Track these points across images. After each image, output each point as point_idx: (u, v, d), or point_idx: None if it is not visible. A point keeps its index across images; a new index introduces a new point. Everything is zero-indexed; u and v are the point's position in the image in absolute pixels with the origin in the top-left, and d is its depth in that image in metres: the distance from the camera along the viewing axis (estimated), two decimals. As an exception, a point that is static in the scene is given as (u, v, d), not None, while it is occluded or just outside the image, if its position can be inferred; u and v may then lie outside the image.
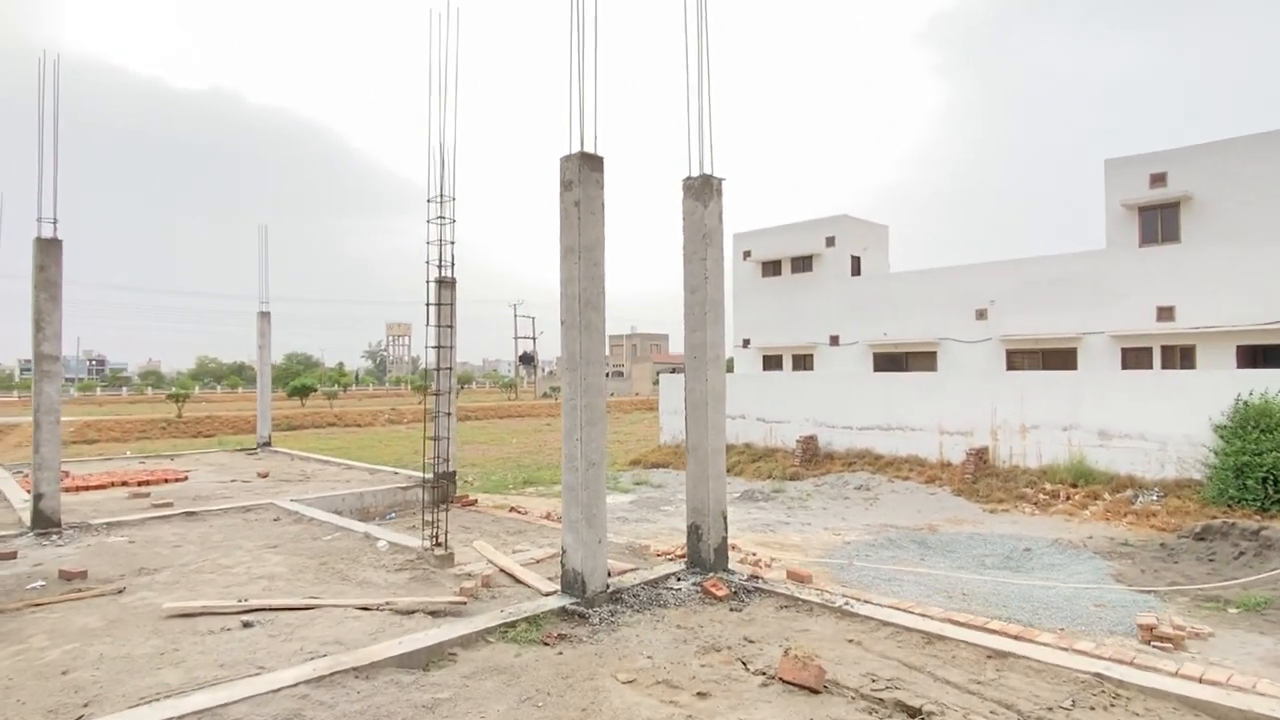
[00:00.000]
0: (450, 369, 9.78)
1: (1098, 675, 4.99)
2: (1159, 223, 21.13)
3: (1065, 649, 5.55)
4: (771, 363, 31.09)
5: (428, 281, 8.91)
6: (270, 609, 6.82)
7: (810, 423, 20.81)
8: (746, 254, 31.73)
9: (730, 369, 33.58)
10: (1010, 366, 23.63)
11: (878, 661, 5.48)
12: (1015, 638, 5.89)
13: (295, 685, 4.97)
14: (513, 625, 6.17)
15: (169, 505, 12.33)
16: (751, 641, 5.96)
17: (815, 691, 4.87)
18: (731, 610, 6.80)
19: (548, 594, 7.12)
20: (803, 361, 29.99)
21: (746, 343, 31.86)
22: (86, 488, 14.56)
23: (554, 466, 22.27)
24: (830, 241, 29.17)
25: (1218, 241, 19.93)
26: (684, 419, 8.36)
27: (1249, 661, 7.07)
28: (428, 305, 8.92)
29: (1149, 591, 9.59)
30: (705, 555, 8.01)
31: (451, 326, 9.86)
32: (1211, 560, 10.98)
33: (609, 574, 7.47)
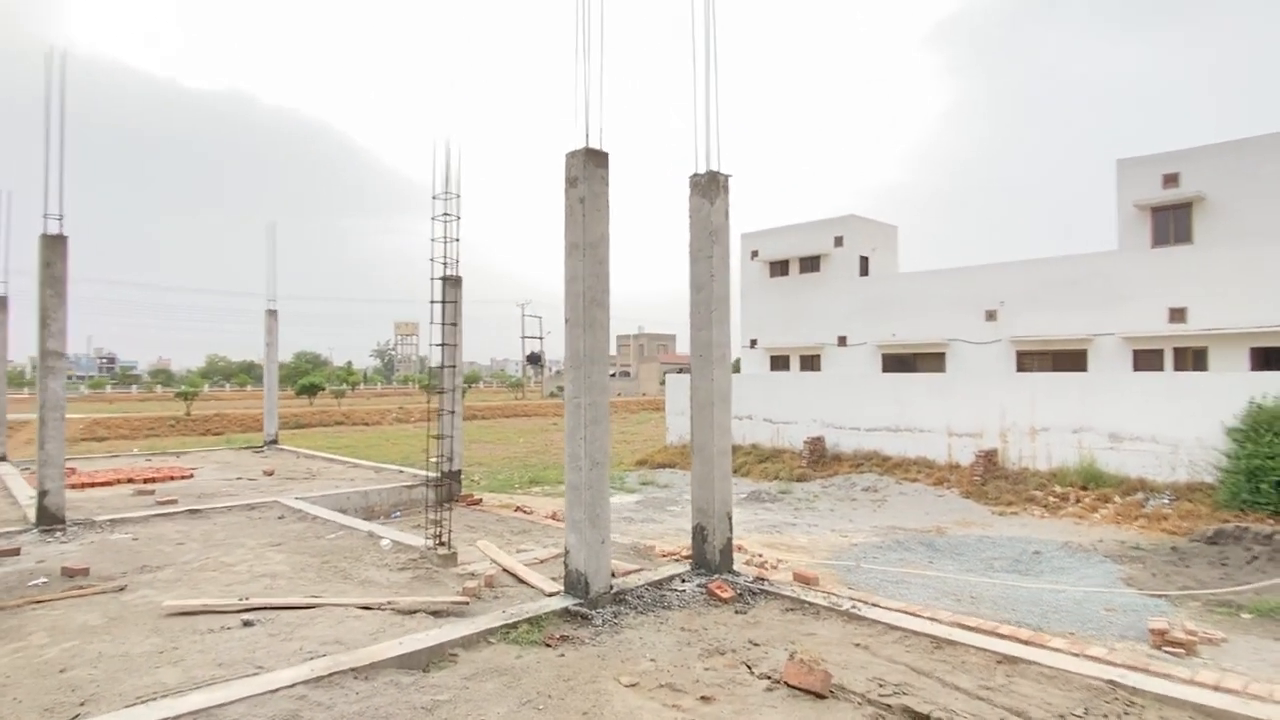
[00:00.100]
0: (455, 367, 9.72)
1: (1111, 682, 4.88)
2: (1171, 223, 20.94)
3: (1077, 655, 5.45)
4: (779, 363, 30.96)
5: (432, 278, 8.86)
6: (271, 607, 6.77)
7: (818, 424, 20.68)
8: (754, 254, 31.61)
9: (737, 369, 33.47)
10: (1020, 368, 23.45)
11: (885, 666, 5.38)
12: (1025, 642, 5.78)
13: (293, 686, 4.91)
14: (514, 626, 6.10)
15: (173, 502, 12.32)
16: (756, 645, 5.87)
17: (821, 696, 4.78)
18: (736, 613, 6.71)
19: (551, 594, 7.05)
20: (810, 362, 29.85)
21: (754, 343, 31.74)
22: (92, 484, 14.57)
23: (560, 466, 22.19)
24: (839, 241, 29.03)
25: (1231, 242, 19.72)
26: (690, 419, 8.28)
27: (1263, 668, 6.94)
28: (432, 303, 8.87)
29: (1160, 596, 9.45)
30: (710, 556, 7.92)
31: (456, 324, 9.80)
32: (1224, 564, 10.83)
33: (613, 574, 7.39)
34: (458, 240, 8.97)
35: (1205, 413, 14.41)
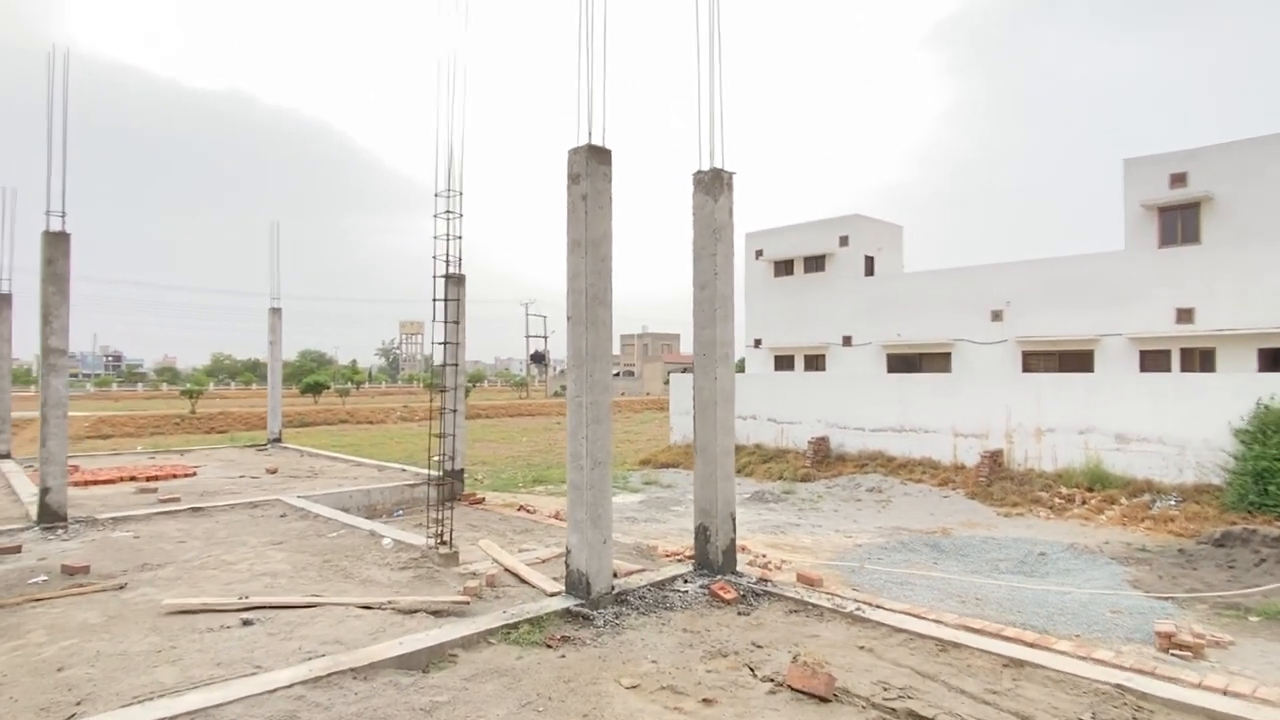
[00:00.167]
0: (457, 365, 9.67)
1: (1119, 686, 4.81)
2: (1179, 223, 20.79)
3: (1084, 658, 5.38)
4: (783, 363, 30.87)
5: (434, 276, 8.81)
6: (271, 606, 6.73)
7: (822, 424, 20.60)
8: (759, 253, 31.52)
9: (741, 369, 33.39)
10: (1026, 368, 23.33)
11: (890, 669, 5.31)
12: (1032, 645, 5.71)
13: (291, 686, 4.86)
14: (515, 626, 6.05)
15: (176, 500, 12.30)
16: (759, 647, 5.80)
17: (825, 700, 4.72)
18: (739, 614, 6.65)
19: (552, 594, 7.00)
20: (815, 362, 29.75)
21: (758, 343, 31.65)
22: (95, 482, 14.57)
23: (564, 465, 22.11)
24: (844, 241, 28.93)
25: (1239, 243, 19.58)
26: (693, 418, 8.22)
27: (1271, 671, 6.85)
28: (434, 301, 8.82)
29: (1167, 598, 9.36)
30: (713, 557, 7.86)
31: (458, 323, 9.75)
32: (1231, 567, 10.74)
33: (615, 575, 7.34)
34: (460, 238, 8.92)
35: (1212, 414, 14.31)
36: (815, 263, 29.85)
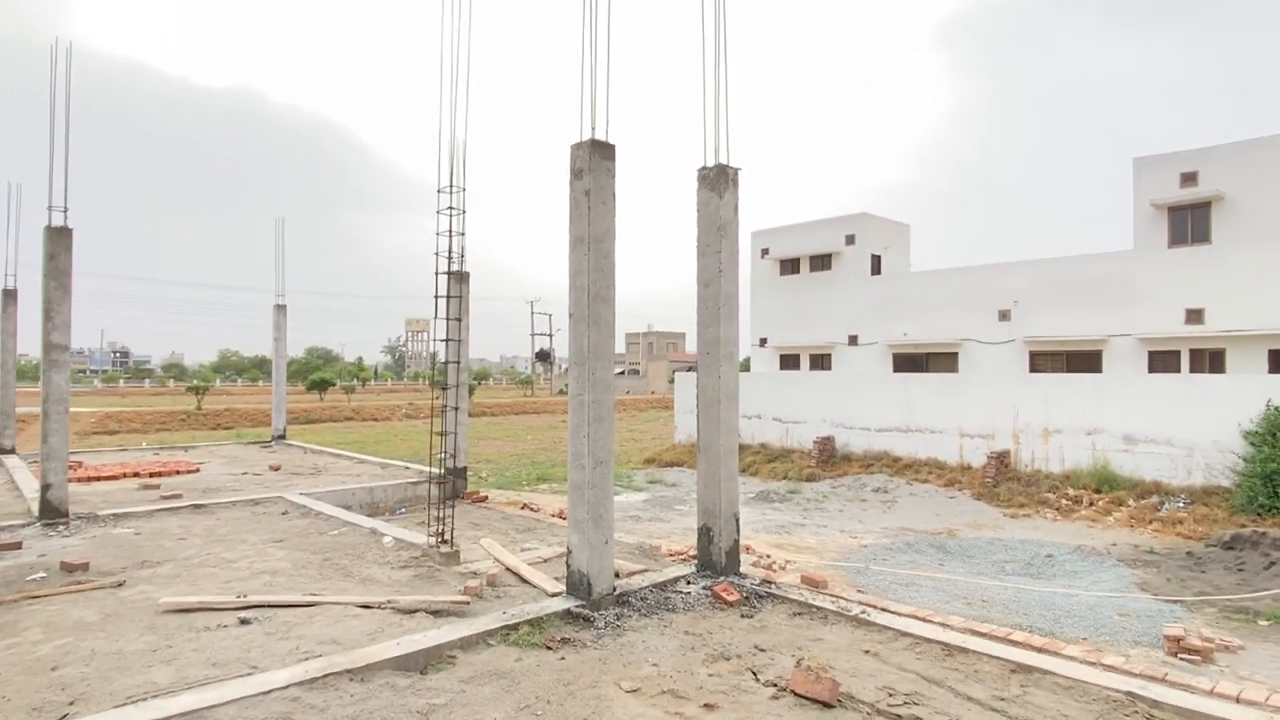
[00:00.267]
0: (459, 362, 9.60)
1: (1130, 694, 4.70)
2: (1189, 223, 20.61)
3: (1094, 664, 5.27)
4: (789, 362, 30.74)
5: (436, 273, 8.73)
6: (269, 605, 6.66)
7: (827, 423, 20.50)
8: (764, 252, 31.38)
9: (746, 368, 33.27)
10: (1033, 368, 23.17)
11: (895, 674, 5.22)
12: (1040, 650, 5.61)
13: (287, 687, 4.79)
14: (515, 627, 5.97)
15: (178, 497, 12.27)
16: (763, 650, 5.71)
17: (829, 706, 4.63)
18: (742, 616, 6.56)
19: (553, 595, 6.91)
20: (820, 361, 29.63)
21: (763, 341, 31.53)
22: (98, 478, 14.55)
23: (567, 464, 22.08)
24: (850, 240, 28.78)
25: (1250, 243, 19.40)
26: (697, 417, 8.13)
27: (1283, 677, 6.75)
28: (436, 297, 8.74)
29: (1175, 601, 9.26)
30: (716, 558, 7.78)
31: (461, 320, 9.68)
32: (1240, 570, 10.62)
33: (617, 575, 7.26)
34: (463, 234, 8.84)
35: (1222, 415, 14.18)
36: (821, 261, 29.71)
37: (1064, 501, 14.98)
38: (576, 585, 6.64)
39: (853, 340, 28.37)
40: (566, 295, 6.77)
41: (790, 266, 30.86)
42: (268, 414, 33.81)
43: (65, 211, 10.80)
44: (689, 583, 7.46)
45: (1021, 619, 8.37)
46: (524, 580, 7.69)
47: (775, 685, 5.01)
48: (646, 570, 7.95)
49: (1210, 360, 20.08)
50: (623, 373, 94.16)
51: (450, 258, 8.83)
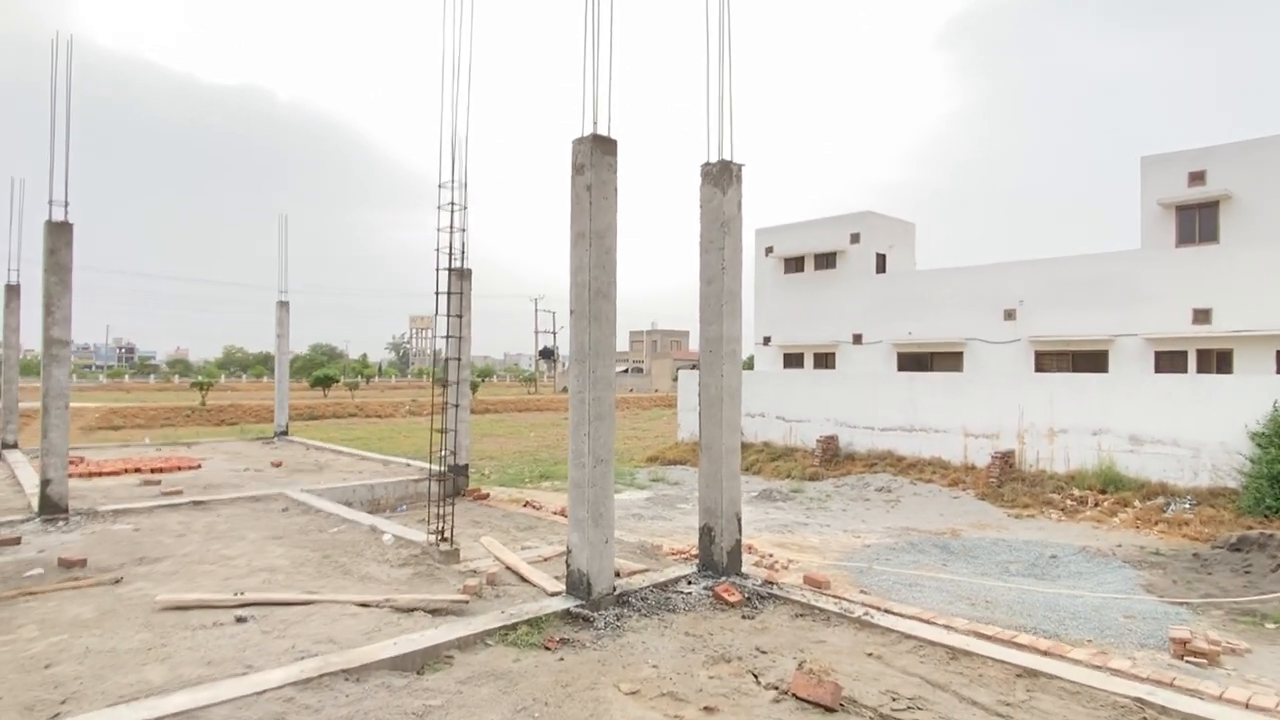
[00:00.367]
0: (459, 359, 9.54)
1: (1139, 700, 4.62)
2: (1197, 222, 20.47)
3: (1101, 668, 5.18)
4: (792, 361, 30.64)
5: (437, 269, 8.67)
6: (266, 603, 6.61)
7: (831, 422, 20.41)
8: (769, 250, 31.27)
9: (750, 366, 33.17)
10: (1039, 368, 23.05)
11: (899, 678, 5.14)
12: (1045, 653, 5.53)
13: (281, 687, 4.73)
14: (513, 627, 5.90)
15: (179, 493, 12.23)
16: (764, 652, 5.64)
17: (831, 710, 4.55)
18: (744, 618, 6.49)
19: (553, 594, 6.85)
20: (824, 360, 29.52)
21: (767, 340, 31.43)
22: (99, 474, 14.53)
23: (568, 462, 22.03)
24: (855, 238, 28.66)
25: (1259, 242, 19.25)
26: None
27: (1291, 682, 6.66)
28: (437, 293, 8.68)
29: (1181, 603, 9.17)
30: (718, 558, 7.70)
31: (462, 316, 9.61)
32: (1247, 572, 10.51)
33: (618, 574, 7.20)
34: (464, 230, 8.77)
35: (1229, 416, 14.07)
36: (826, 260, 29.60)
37: (1069, 502, 14.88)
38: (576, 585, 6.58)
39: (857, 339, 28.26)
40: (562, 291, 6.70)
41: (794, 265, 30.75)
42: (271, 410, 33.87)
43: (66, 206, 10.76)
44: (690, 583, 7.38)
45: (1026, 620, 8.29)
46: (524, 579, 7.63)
47: (776, 688, 4.93)
48: (647, 570, 7.88)
49: (1217, 361, 19.94)
50: (626, 371, 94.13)
51: (451, 254, 8.76)
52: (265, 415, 36.60)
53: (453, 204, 8.57)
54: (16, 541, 8.92)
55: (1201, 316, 20.03)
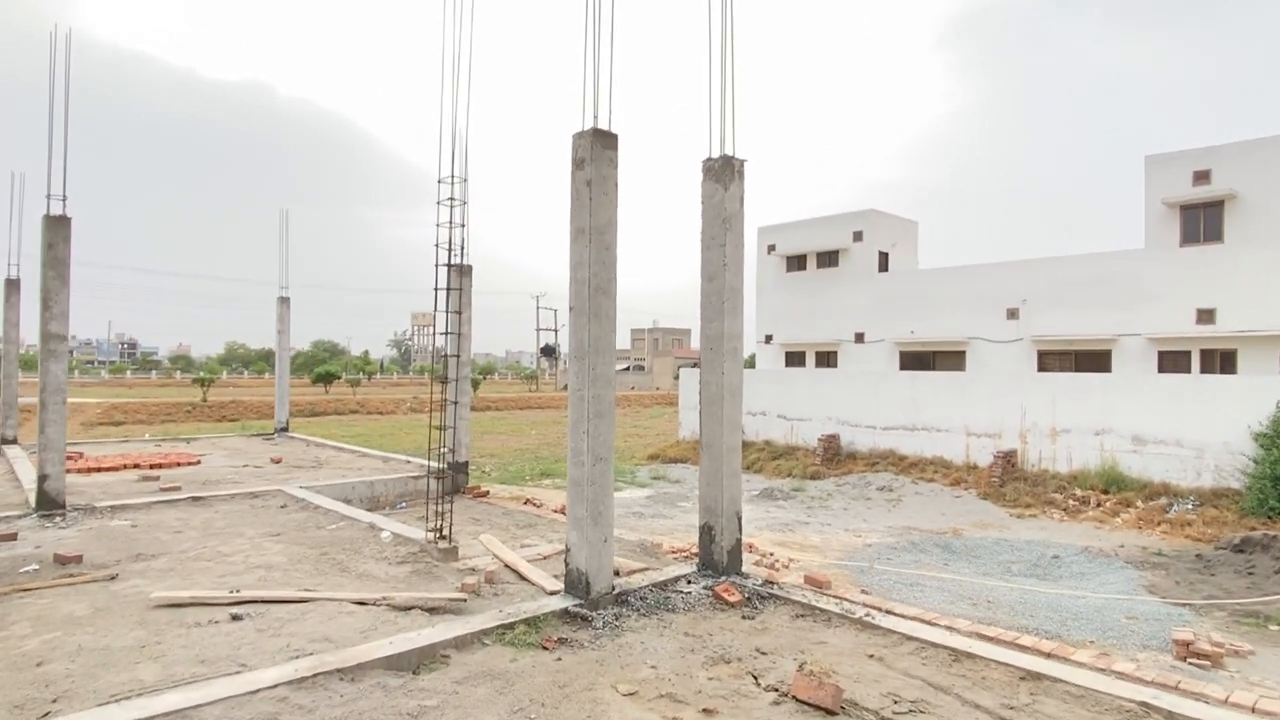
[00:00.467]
0: (459, 356, 9.48)
1: (1144, 704, 4.55)
2: (1201, 222, 20.36)
3: (1105, 671, 5.11)
4: (794, 359, 30.56)
5: (436, 264, 8.60)
6: (262, 601, 6.55)
7: (833, 421, 20.33)
8: (771, 248, 31.18)
9: (751, 364, 33.10)
10: (1041, 368, 22.97)
11: (900, 680, 5.07)
12: (1049, 656, 5.46)
13: (275, 686, 4.67)
14: (511, 627, 5.84)
15: (177, 489, 12.17)
16: (764, 653, 5.57)
17: (831, 713, 4.48)
18: (744, 618, 6.42)
19: (551, 593, 6.79)
20: (826, 359, 29.44)
21: (769, 338, 31.34)
22: (98, 469, 14.48)
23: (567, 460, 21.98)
24: (858, 236, 28.57)
25: (1263, 242, 19.14)
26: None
27: (1296, 685, 6.59)
28: (436, 290, 8.61)
29: (1184, 604, 9.10)
30: (718, 558, 7.64)
31: (461, 313, 9.55)
32: (1250, 574, 10.44)
33: (617, 573, 7.14)
34: (464, 226, 8.70)
35: (1232, 417, 13.99)
36: (828, 258, 29.50)
37: (1071, 502, 14.80)
38: (575, 584, 6.52)
39: (859, 338, 28.18)
40: (564, 288, 6.63)
41: (797, 263, 30.65)
42: (273, 406, 33.87)
43: (64, 200, 10.70)
44: (690, 582, 7.32)
45: (1028, 621, 8.23)
46: (522, 578, 7.57)
47: (776, 690, 4.87)
48: (647, 569, 7.82)
49: (1221, 361, 19.85)
50: (627, 369, 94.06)
51: (451, 249, 8.70)
52: (266, 411, 36.56)
53: (452, 199, 8.51)
54: (13, 537, 8.87)
55: (1205, 316, 19.93)
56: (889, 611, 6.50)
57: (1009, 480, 16.13)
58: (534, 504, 12.70)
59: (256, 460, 16.44)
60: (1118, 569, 10.73)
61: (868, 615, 6.34)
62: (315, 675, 4.83)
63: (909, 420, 18.75)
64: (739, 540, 7.78)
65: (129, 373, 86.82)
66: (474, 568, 7.91)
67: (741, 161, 7.78)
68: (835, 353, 29.04)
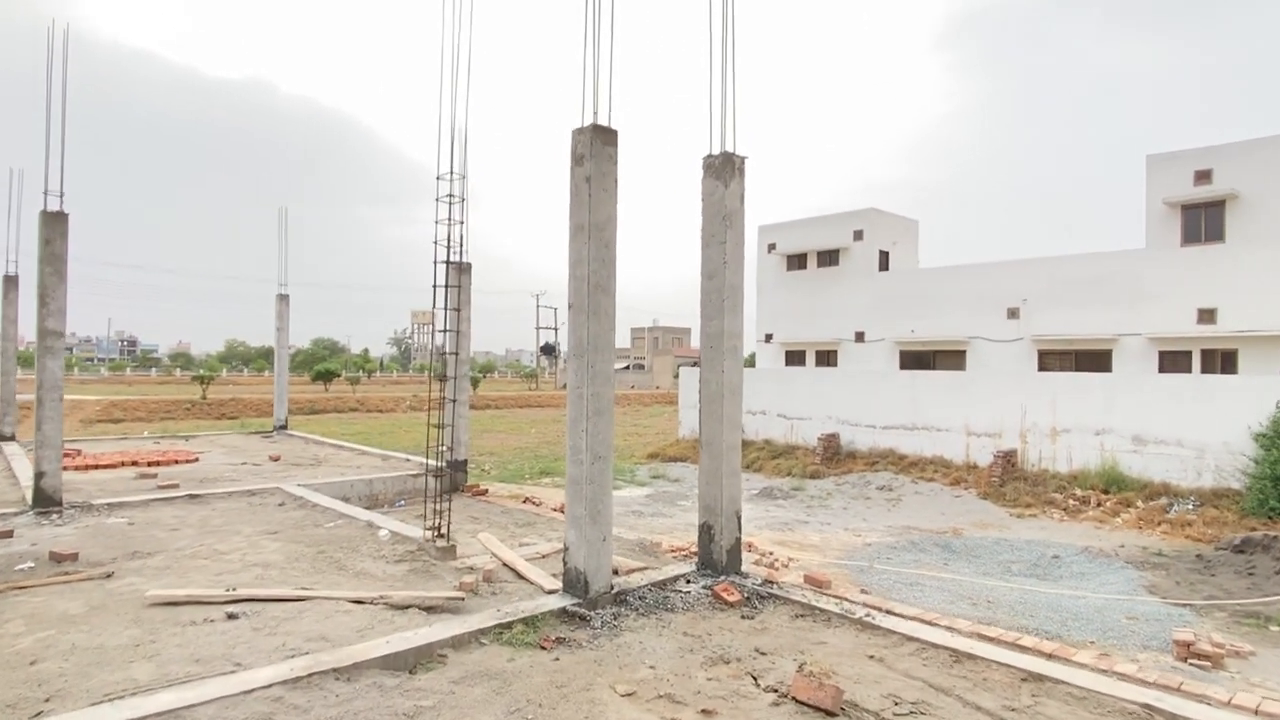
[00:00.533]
0: (457, 354, 9.43)
1: (1147, 706, 4.51)
2: (1203, 221, 20.31)
3: (1107, 673, 5.07)
4: (794, 358, 30.52)
5: (435, 261, 8.56)
6: (258, 599, 6.51)
7: (833, 420, 20.29)
8: (771, 246, 31.14)
9: (751, 363, 33.05)
10: (1042, 367, 22.93)
11: (901, 681, 5.03)
12: (1050, 657, 5.42)
13: (270, 686, 4.63)
14: (509, 626, 5.80)
15: (175, 487, 12.13)
16: (763, 654, 5.53)
17: (831, 714, 4.44)
18: (743, 618, 6.38)
19: (549, 592, 6.75)
20: (826, 358, 29.40)
21: (769, 337, 31.30)
22: (96, 466, 14.44)
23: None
24: (858, 235, 28.52)
25: (1265, 242, 19.10)
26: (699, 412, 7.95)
27: (1297, 685, 6.55)
28: (435, 287, 8.57)
29: (1184, 605, 9.07)
30: (717, 557, 7.60)
31: (460, 311, 9.50)
32: (1251, 574, 10.41)
33: (616, 573, 7.10)
34: (463, 223, 8.66)
35: (1233, 417, 13.95)
36: (829, 257, 29.46)
37: (1071, 502, 14.77)
38: (573, 583, 6.48)
39: (859, 337, 28.14)
40: (564, 287, 6.59)
41: (797, 262, 30.61)
42: (272, 404, 33.85)
43: (61, 196, 10.65)
44: (689, 581, 7.28)
45: (1028, 621, 8.19)
46: (521, 576, 7.53)
47: (776, 691, 4.83)
48: (646, 568, 7.78)
49: (1222, 361, 19.81)
50: (628, 367, 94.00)
51: (450, 247, 8.65)
52: (266, 409, 36.50)
53: (450, 196, 8.46)
54: (9, 535, 8.82)
55: (1206, 316, 19.90)
56: (889, 611, 6.46)
57: (1009, 480, 16.09)
58: (533, 502, 12.66)
59: (255, 458, 16.40)
60: (1118, 569, 10.69)
61: (868, 615, 6.30)
62: (311, 675, 4.79)
63: (909, 419, 18.70)
64: (738, 539, 7.74)
65: (128, 370, 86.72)
66: (472, 566, 7.87)
67: (742, 158, 7.74)
68: (835, 352, 29.01)
